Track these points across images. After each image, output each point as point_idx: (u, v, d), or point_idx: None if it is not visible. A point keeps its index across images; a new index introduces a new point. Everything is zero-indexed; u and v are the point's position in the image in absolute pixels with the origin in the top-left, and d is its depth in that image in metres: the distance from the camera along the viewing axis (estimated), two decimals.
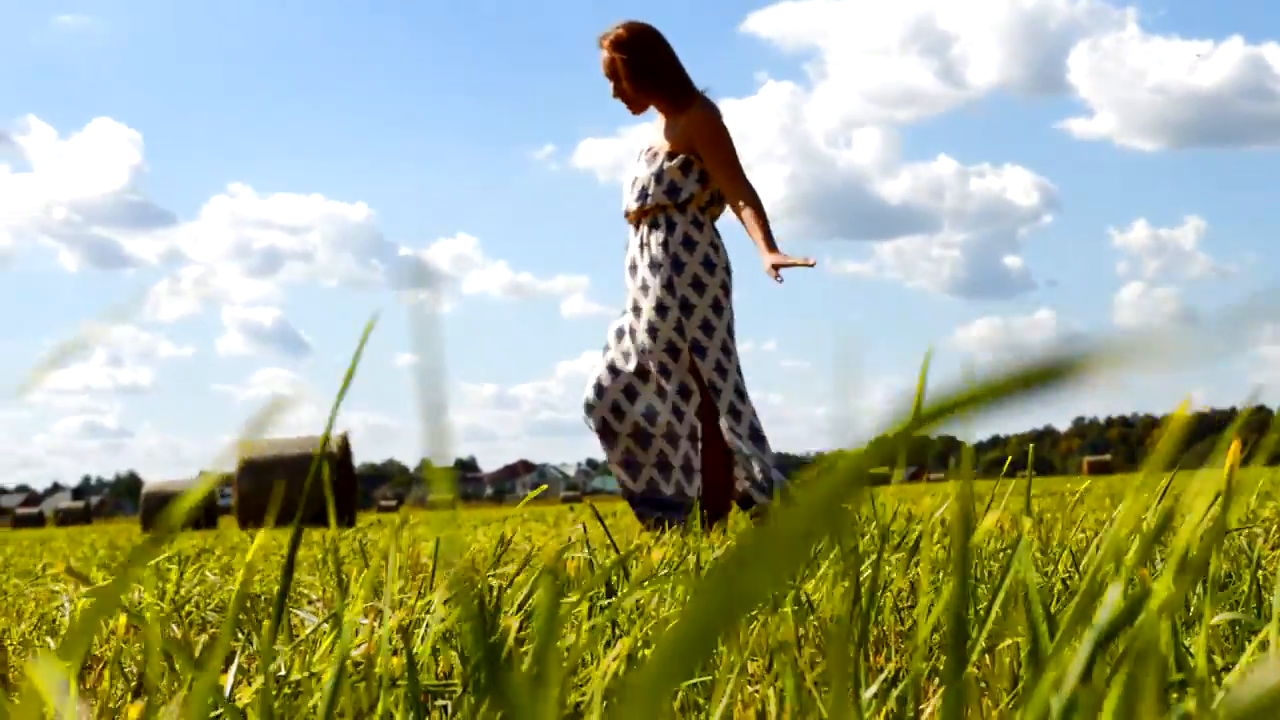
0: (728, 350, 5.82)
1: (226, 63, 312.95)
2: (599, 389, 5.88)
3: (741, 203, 5.80)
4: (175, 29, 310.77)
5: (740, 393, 5.83)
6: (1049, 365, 0.39)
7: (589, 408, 5.87)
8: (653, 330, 5.76)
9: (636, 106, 6.00)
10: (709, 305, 5.79)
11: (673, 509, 5.71)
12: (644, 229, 5.83)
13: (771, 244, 5.72)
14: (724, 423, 5.72)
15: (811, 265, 5.52)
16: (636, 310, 5.82)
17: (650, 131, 6.09)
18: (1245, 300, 0.41)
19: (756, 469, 5.65)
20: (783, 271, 5.55)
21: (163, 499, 34.00)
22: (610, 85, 5.99)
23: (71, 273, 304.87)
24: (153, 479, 35.94)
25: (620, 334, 5.93)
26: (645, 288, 5.80)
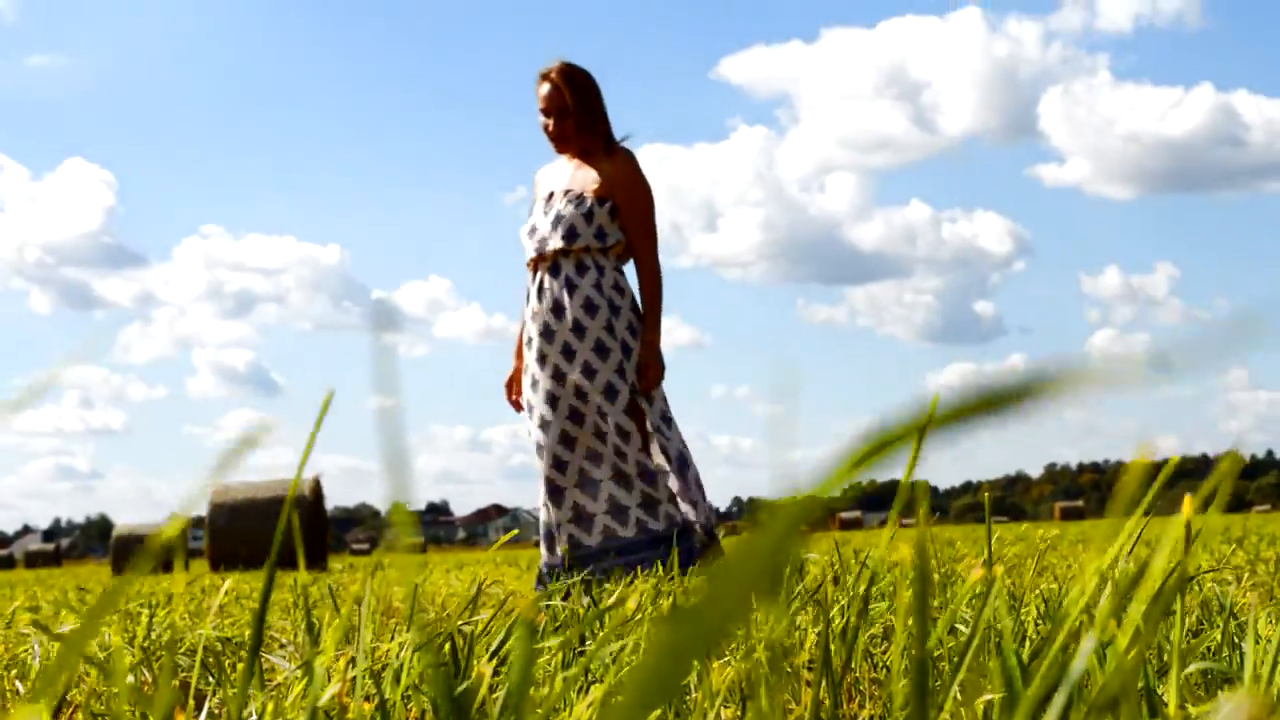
0: (664, 396, 5.85)
1: (200, 105, 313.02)
2: (538, 447, 5.81)
3: (645, 268, 5.85)
4: (149, 70, 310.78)
5: (680, 439, 5.84)
6: (1011, 388, 0.40)
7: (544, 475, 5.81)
8: (590, 371, 5.70)
9: (568, 146, 5.93)
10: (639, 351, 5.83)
11: (639, 549, 5.65)
12: (567, 270, 5.77)
13: (656, 326, 5.80)
14: (667, 466, 5.69)
15: (653, 388, 5.68)
16: (567, 353, 5.74)
17: (552, 174, 6.04)
18: (1210, 327, 0.41)
19: (700, 515, 5.63)
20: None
21: (133, 542, 33.85)
22: (547, 119, 5.93)
23: (43, 314, 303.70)
24: (123, 521, 35.78)
25: (535, 384, 5.86)
26: (579, 329, 5.72)
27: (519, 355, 6.11)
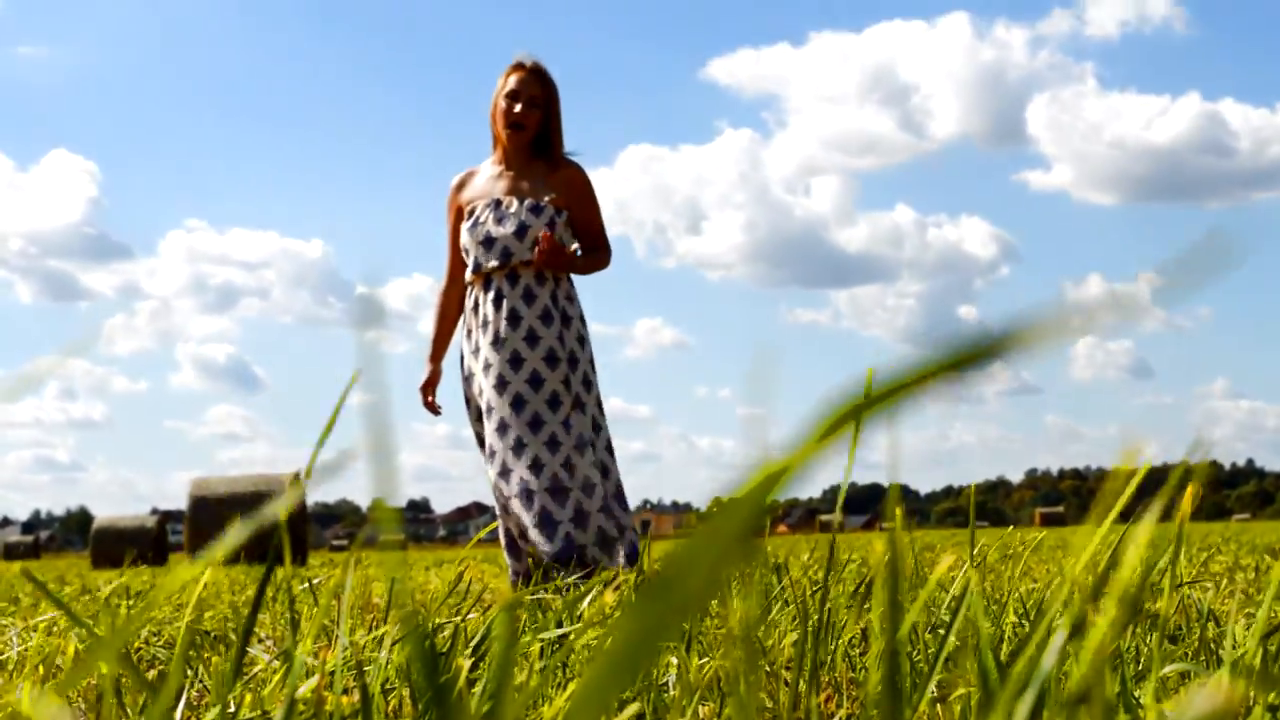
0: (600, 407, 5.83)
1: (185, 97, 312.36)
2: (491, 454, 5.74)
3: (598, 262, 5.87)
4: (134, 63, 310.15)
5: (610, 450, 5.79)
6: (975, 346, 0.40)
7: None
8: (536, 380, 5.64)
9: (526, 147, 5.86)
10: (588, 361, 5.80)
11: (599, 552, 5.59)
12: (527, 280, 5.71)
13: (582, 267, 5.79)
14: (594, 479, 5.64)
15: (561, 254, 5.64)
16: (514, 362, 5.68)
17: (485, 181, 5.95)
18: (1168, 269, 0.41)
19: (621, 532, 5.60)
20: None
21: (113, 535, 33.76)
22: (515, 103, 5.82)
23: (26, 305, 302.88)
24: (103, 514, 35.65)
25: (480, 392, 5.81)
26: (533, 338, 5.67)
27: (433, 360, 6.09)
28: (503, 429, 5.60)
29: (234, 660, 1.08)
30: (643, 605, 0.40)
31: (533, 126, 5.79)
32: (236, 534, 0.79)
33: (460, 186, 6.05)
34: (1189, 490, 1.12)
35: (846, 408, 0.40)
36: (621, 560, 5.52)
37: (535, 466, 5.55)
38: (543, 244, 5.58)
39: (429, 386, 6.10)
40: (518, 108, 5.79)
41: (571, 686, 1.21)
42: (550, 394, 5.59)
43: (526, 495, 5.54)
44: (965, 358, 0.39)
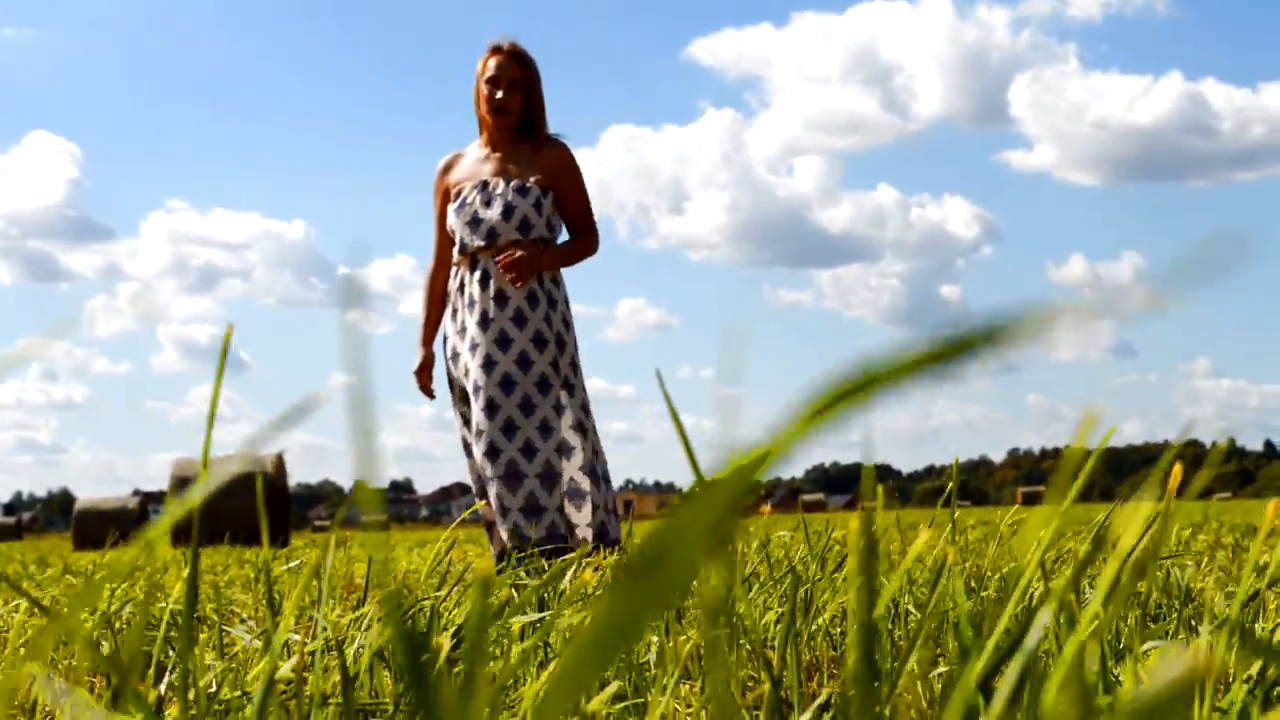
0: (585, 389, 5.84)
1: (166, 78, 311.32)
2: (477, 433, 5.74)
3: (585, 246, 5.85)
4: (115, 44, 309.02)
5: (596, 433, 5.81)
6: (959, 339, 0.39)
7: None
8: (525, 362, 5.65)
9: (510, 120, 5.87)
10: (574, 343, 5.81)
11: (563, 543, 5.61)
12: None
13: (558, 258, 5.75)
14: (591, 459, 5.66)
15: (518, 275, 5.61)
16: (502, 343, 5.68)
17: (471, 162, 5.96)
18: (1158, 271, 0.41)
19: (601, 514, 5.62)
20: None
21: (95, 516, 33.73)
22: (496, 89, 5.83)
23: (7, 286, 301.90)
24: (85, 496, 35.61)
25: (466, 372, 5.81)
26: (520, 319, 5.67)
27: (426, 344, 6.11)
28: (491, 409, 5.60)
29: (215, 640, 1.08)
30: (627, 584, 0.40)
31: (516, 110, 5.81)
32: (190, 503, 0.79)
33: (447, 169, 6.06)
34: (1176, 469, 1.12)
35: (831, 394, 0.40)
36: (615, 539, 5.54)
37: (528, 450, 5.56)
38: (502, 262, 5.60)
39: (424, 370, 6.09)
40: (499, 93, 5.80)
41: (552, 665, 1.22)
42: (539, 376, 5.60)
43: (515, 477, 5.54)
44: (952, 349, 0.39)
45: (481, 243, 5.73)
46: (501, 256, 5.59)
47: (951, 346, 0.39)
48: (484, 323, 5.65)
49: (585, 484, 5.60)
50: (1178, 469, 1.14)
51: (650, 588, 0.39)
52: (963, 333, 0.39)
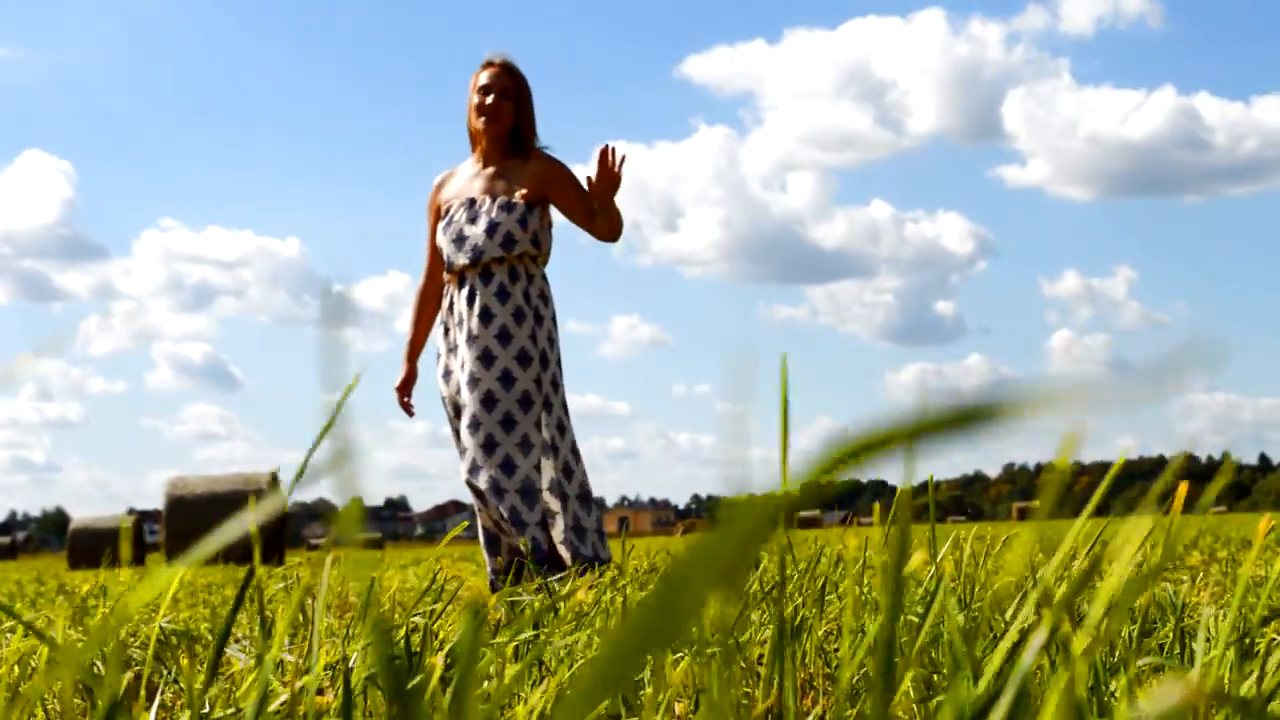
0: (565, 407, 5.83)
1: (160, 97, 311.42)
2: (461, 450, 5.73)
3: (609, 225, 5.84)
4: (108, 63, 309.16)
5: (575, 450, 5.80)
6: (976, 408, 0.40)
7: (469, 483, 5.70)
8: (508, 379, 5.64)
9: (501, 129, 5.89)
10: (556, 361, 5.81)
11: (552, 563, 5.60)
12: (501, 277, 5.71)
13: (609, 208, 5.75)
14: (559, 478, 5.66)
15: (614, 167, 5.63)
16: (485, 360, 5.67)
17: (462, 180, 5.97)
18: (1174, 349, 0.41)
19: (582, 533, 5.62)
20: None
21: (90, 535, 33.70)
22: (486, 97, 5.86)
23: (1, 305, 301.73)
24: (80, 515, 35.57)
25: (458, 390, 5.82)
26: (505, 336, 5.66)
27: (410, 360, 6.15)
28: (474, 426, 5.60)
29: (210, 661, 1.07)
30: (651, 605, 0.39)
31: (506, 117, 5.84)
32: (213, 541, 0.79)
33: (440, 186, 6.10)
34: (1182, 487, 1.12)
35: (844, 451, 0.40)
36: (587, 556, 5.54)
37: (507, 466, 5.56)
38: (609, 174, 5.68)
39: (405, 386, 6.12)
40: (490, 99, 5.84)
41: (549, 684, 1.21)
42: (522, 393, 5.60)
43: (497, 493, 5.54)
44: (954, 421, 0.39)
45: (466, 261, 5.74)
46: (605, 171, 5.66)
47: (953, 418, 0.39)
48: (470, 339, 5.66)
49: (554, 504, 5.62)
50: (1183, 486, 1.14)
51: (676, 610, 0.39)
52: (965, 406, 0.39)
